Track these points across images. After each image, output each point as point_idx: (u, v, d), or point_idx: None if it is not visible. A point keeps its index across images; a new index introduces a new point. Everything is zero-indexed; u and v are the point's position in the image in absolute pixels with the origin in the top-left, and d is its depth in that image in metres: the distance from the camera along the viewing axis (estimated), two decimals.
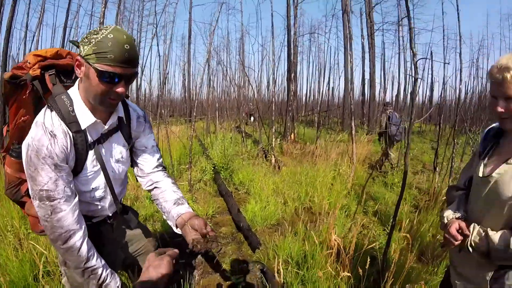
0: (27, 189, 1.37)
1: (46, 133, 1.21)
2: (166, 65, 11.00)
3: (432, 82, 24.66)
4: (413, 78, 3.17)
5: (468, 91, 22.38)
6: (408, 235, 2.44)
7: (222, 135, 10.54)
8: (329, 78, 30.17)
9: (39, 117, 1.26)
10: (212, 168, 6.72)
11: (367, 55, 15.53)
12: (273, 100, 10.22)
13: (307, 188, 5.20)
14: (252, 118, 15.71)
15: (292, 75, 11.64)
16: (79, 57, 1.21)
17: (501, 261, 1.38)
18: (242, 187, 5.92)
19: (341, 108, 17.24)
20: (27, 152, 1.21)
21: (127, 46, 1.17)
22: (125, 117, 1.53)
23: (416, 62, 3.20)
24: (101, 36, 1.15)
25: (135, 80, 1.34)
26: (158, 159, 1.72)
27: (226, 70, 18.35)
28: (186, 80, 24.10)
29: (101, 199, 1.52)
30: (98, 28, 1.20)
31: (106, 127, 1.41)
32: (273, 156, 7.68)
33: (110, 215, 1.63)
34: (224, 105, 18.64)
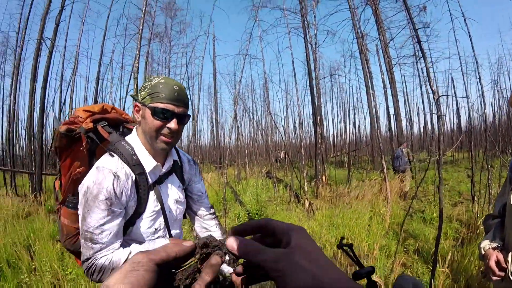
0: None
1: (109, 175, 1.26)
2: (197, 117, 11.49)
3: (458, 108, 24.24)
4: (436, 115, 3.20)
5: (495, 111, 21.87)
6: (447, 270, 2.44)
7: (254, 181, 10.68)
8: (354, 117, 30.31)
9: (101, 163, 1.31)
10: (246, 215, 6.79)
11: (388, 90, 15.56)
12: (302, 144, 10.36)
13: (344, 230, 5.18)
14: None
15: (318, 118, 11.73)
16: (137, 103, 1.36)
17: None
18: None
19: (370, 146, 17.11)
20: (85, 194, 1.25)
21: (176, 87, 1.32)
22: (178, 161, 1.60)
23: (437, 99, 3.26)
24: (154, 82, 1.32)
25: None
26: (209, 204, 1.79)
27: (253, 117, 18.90)
28: (214, 128, 24.80)
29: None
30: (151, 77, 1.36)
31: (164, 169, 1.48)
32: (306, 200, 7.69)
33: None
34: (253, 151, 18.95)
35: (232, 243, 0.45)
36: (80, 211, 1.27)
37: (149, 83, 1.34)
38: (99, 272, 1.26)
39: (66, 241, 1.53)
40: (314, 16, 11.87)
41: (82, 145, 1.40)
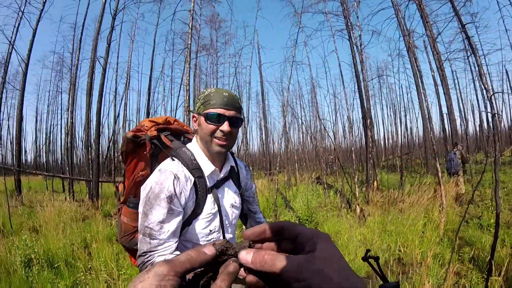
0: None
1: (170, 176, 1.36)
2: (247, 124, 11.77)
3: None
4: (490, 114, 3.13)
5: None
6: (502, 279, 2.41)
7: (304, 187, 10.71)
8: (405, 118, 29.15)
9: (163, 165, 1.43)
10: (297, 221, 6.84)
11: (440, 88, 14.80)
12: (352, 148, 10.24)
13: (397, 237, 5.13)
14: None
15: (368, 121, 11.41)
16: (194, 114, 1.52)
17: None
18: None
19: (423, 148, 16.41)
20: (147, 193, 1.35)
21: (225, 93, 1.45)
22: (235, 167, 1.71)
23: (491, 97, 3.17)
24: (206, 93, 1.47)
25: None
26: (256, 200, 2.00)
27: (302, 122, 18.96)
28: (264, 134, 25.07)
29: None
30: (205, 90, 1.53)
31: (222, 175, 1.58)
32: (357, 206, 7.62)
33: None
34: (302, 157, 18.96)
35: (245, 256, 0.43)
36: (140, 209, 1.38)
37: (202, 95, 1.50)
38: None
39: (123, 238, 1.66)
40: (357, 17, 11.77)
41: (146, 150, 1.57)
